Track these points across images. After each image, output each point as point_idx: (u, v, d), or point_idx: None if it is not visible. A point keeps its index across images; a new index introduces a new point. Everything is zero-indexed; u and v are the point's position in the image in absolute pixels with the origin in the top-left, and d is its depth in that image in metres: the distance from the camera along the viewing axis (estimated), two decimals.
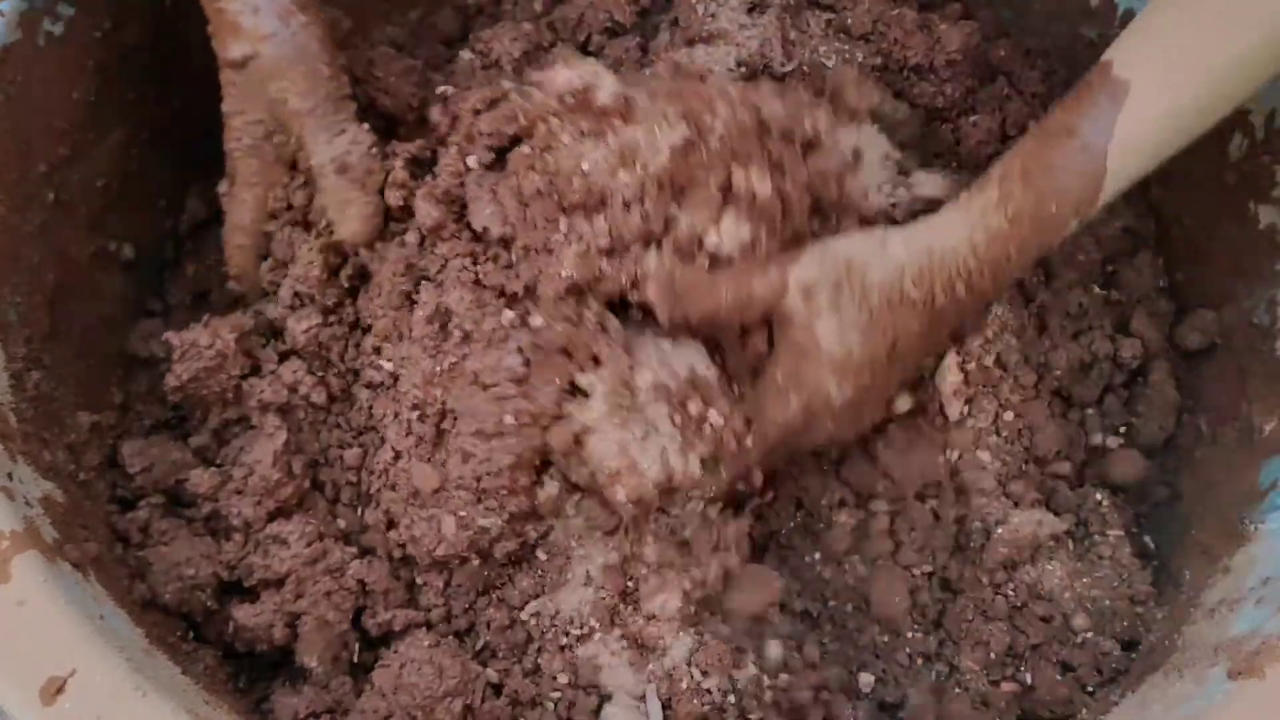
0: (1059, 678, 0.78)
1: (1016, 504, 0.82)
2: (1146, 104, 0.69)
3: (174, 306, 0.91)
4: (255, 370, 0.81)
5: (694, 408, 0.72)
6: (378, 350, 0.80)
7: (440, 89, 0.85)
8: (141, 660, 0.63)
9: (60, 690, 0.58)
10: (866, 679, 0.79)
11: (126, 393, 0.86)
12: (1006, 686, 0.78)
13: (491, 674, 0.73)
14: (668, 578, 0.75)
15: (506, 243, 0.76)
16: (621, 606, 0.76)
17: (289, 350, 0.81)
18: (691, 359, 0.75)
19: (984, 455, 0.84)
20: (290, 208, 0.82)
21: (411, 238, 0.79)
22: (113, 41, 0.83)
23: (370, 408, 0.80)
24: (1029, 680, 0.78)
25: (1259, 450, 0.80)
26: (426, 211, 0.77)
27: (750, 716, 0.73)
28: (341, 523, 0.78)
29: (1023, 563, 0.80)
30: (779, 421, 0.74)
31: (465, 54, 0.94)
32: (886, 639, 0.81)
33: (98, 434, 0.80)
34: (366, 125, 0.81)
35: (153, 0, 0.86)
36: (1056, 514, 0.82)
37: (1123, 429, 0.90)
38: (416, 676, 0.70)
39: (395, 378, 0.79)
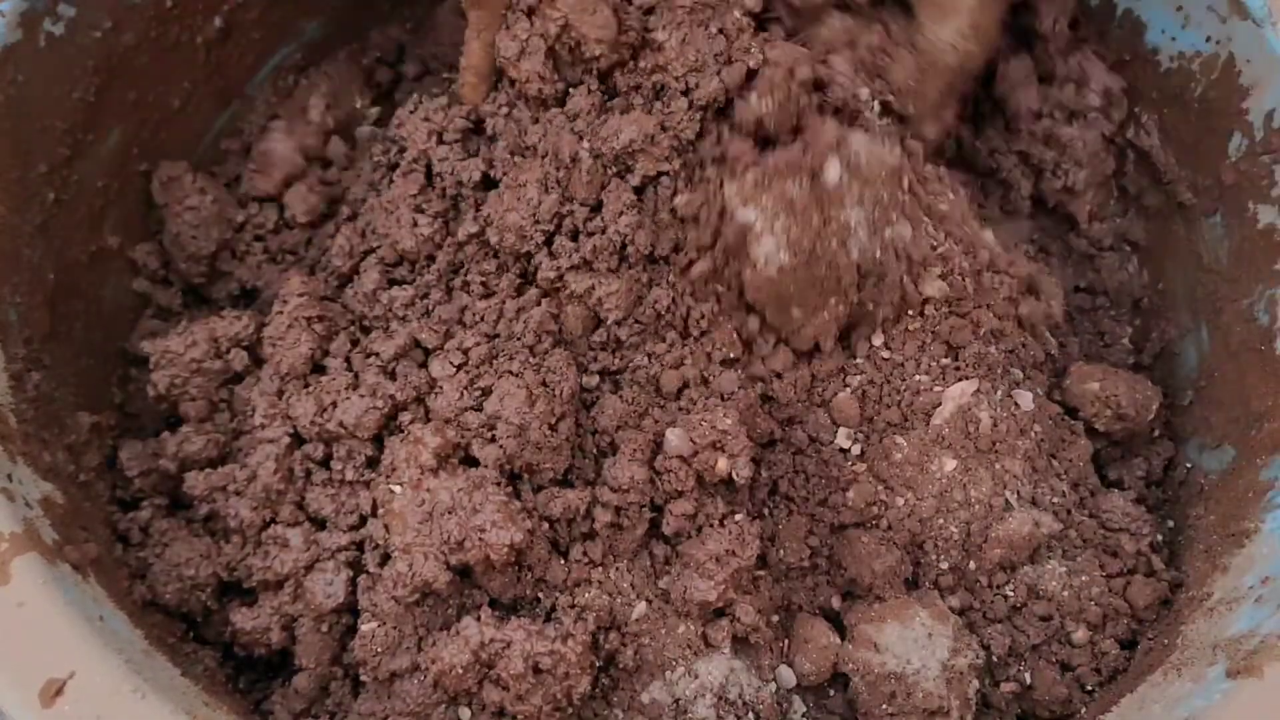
0: (1059, 678, 0.78)
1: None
2: None
3: (174, 307, 0.91)
4: (238, 376, 0.82)
5: None
6: None
7: None
8: (141, 661, 0.63)
9: (59, 692, 0.58)
10: None
11: (126, 393, 0.86)
12: (1006, 686, 0.78)
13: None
14: None
15: None
16: None
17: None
18: None
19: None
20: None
21: None
22: (113, 41, 0.83)
23: None
24: (1029, 680, 0.78)
25: (1259, 450, 0.80)
26: None
27: None
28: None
29: (1022, 563, 0.80)
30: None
31: None
32: None
33: (98, 434, 0.80)
34: None
35: (153, 0, 0.86)
36: (1056, 514, 0.82)
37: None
38: None
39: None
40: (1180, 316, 0.93)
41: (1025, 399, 0.83)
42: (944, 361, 0.83)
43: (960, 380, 0.82)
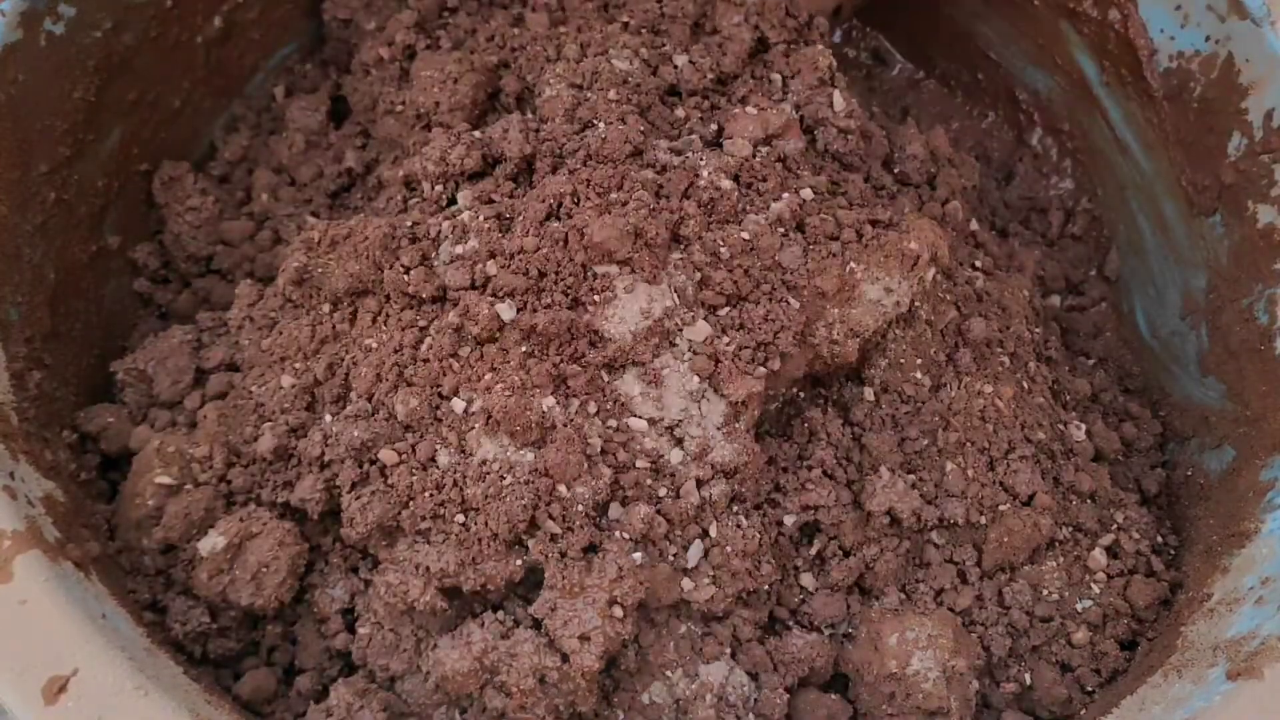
0: (1059, 678, 0.78)
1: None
2: None
3: (174, 307, 0.91)
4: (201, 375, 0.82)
5: None
6: None
7: None
8: (143, 659, 0.63)
9: (62, 689, 0.58)
10: None
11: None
12: (1006, 687, 0.78)
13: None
14: None
15: None
16: None
17: None
18: None
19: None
20: None
21: None
22: (113, 41, 0.83)
23: None
24: (1029, 680, 0.78)
25: (1259, 450, 0.80)
26: None
27: None
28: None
29: (1022, 563, 0.80)
30: None
31: None
32: None
33: None
34: None
35: (153, 0, 0.86)
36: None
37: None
38: None
39: None
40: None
41: None
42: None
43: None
